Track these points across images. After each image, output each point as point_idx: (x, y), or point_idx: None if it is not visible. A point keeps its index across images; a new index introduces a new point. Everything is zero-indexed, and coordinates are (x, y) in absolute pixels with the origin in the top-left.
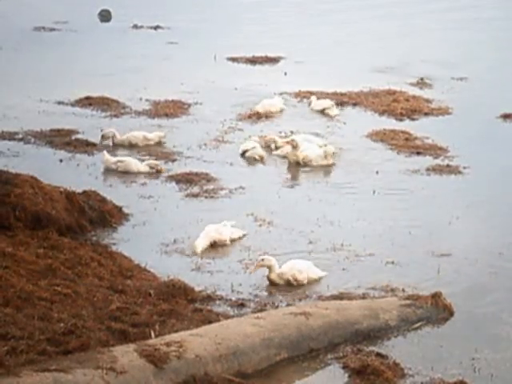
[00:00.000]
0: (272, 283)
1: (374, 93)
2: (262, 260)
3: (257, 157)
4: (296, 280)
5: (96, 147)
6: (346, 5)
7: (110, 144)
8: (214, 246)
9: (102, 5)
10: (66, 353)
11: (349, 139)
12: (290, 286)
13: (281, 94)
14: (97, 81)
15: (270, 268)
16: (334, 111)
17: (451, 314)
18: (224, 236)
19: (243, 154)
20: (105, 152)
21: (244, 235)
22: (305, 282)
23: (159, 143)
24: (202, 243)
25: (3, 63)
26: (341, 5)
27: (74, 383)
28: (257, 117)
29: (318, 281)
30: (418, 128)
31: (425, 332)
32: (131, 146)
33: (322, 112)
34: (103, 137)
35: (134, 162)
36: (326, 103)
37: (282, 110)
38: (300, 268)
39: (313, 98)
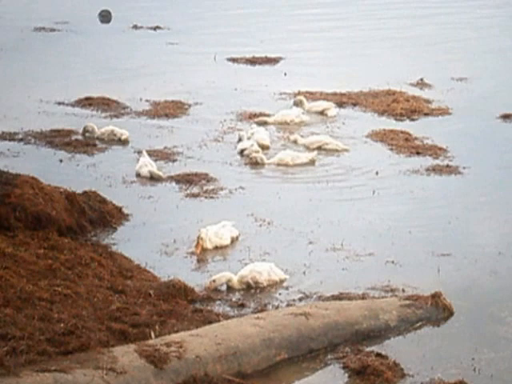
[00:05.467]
0: (232, 289)
1: (374, 93)
2: (214, 281)
3: (251, 155)
4: (256, 282)
5: (96, 147)
6: (346, 6)
7: (94, 136)
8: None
9: (102, 5)
10: (66, 353)
11: (348, 139)
12: (249, 289)
13: (280, 94)
14: (97, 81)
15: (229, 279)
16: (333, 112)
17: (451, 313)
18: (225, 240)
19: (241, 153)
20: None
21: (239, 235)
22: (265, 284)
23: (125, 141)
24: (202, 245)
25: (3, 63)
26: (341, 6)
27: (73, 383)
28: (256, 117)
29: (280, 283)
30: (418, 128)
31: (425, 332)
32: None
33: (321, 113)
34: (84, 129)
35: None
36: (325, 104)
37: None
38: (260, 270)
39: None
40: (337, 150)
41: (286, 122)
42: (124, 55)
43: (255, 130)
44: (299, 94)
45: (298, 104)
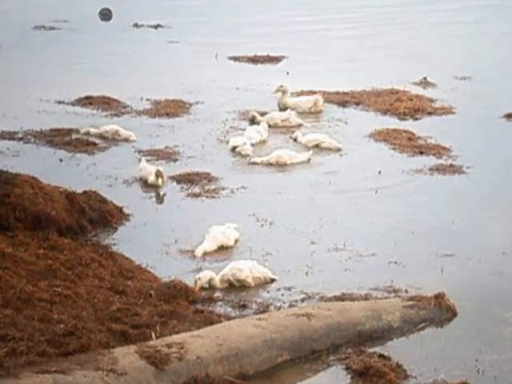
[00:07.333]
0: (214, 287)
1: (377, 92)
2: (199, 279)
3: (243, 153)
4: (237, 280)
5: (96, 147)
6: (348, 5)
7: (98, 133)
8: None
9: (103, 3)
10: (66, 354)
11: (351, 139)
12: (233, 288)
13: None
14: (97, 80)
15: (211, 278)
16: (320, 104)
17: (454, 314)
18: (231, 241)
19: (233, 150)
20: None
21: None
22: (248, 280)
23: (127, 140)
24: (205, 248)
25: (3, 62)
26: (343, 5)
27: None
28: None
29: (267, 282)
30: (421, 127)
31: (428, 333)
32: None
33: (310, 110)
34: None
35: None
36: (313, 98)
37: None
38: (241, 267)
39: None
40: (330, 149)
41: (276, 123)
42: (124, 54)
43: (247, 129)
44: (301, 93)
45: (281, 92)
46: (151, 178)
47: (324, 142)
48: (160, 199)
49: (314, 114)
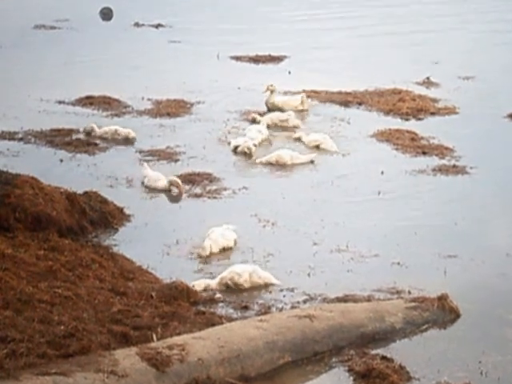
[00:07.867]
0: (212, 290)
1: (380, 92)
2: (193, 286)
3: (246, 150)
4: (235, 284)
5: (97, 147)
6: (351, 4)
7: (97, 135)
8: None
9: (104, 3)
10: (66, 356)
11: (353, 139)
12: (231, 291)
13: (285, 93)
14: (98, 80)
15: (207, 285)
16: (305, 104)
17: (458, 316)
18: (231, 242)
19: (235, 150)
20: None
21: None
22: (245, 285)
23: (127, 140)
24: (211, 247)
25: (3, 62)
26: (345, 4)
27: None
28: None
29: (267, 286)
30: (424, 128)
31: (431, 335)
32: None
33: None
34: (85, 130)
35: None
36: (299, 97)
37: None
38: (239, 271)
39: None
40: (328, 151)
41: (275, 124)
42: (125, 53)
43: (247, 128)
44: (303, 92)
45: (269, 91)
46: (163, 183)
47: (323, 144)
48: (176, 199)
49: (301, 112)
